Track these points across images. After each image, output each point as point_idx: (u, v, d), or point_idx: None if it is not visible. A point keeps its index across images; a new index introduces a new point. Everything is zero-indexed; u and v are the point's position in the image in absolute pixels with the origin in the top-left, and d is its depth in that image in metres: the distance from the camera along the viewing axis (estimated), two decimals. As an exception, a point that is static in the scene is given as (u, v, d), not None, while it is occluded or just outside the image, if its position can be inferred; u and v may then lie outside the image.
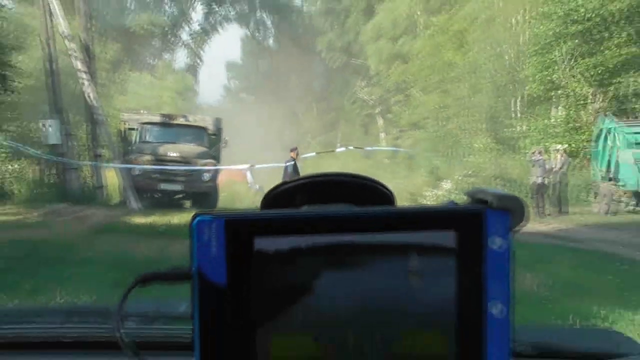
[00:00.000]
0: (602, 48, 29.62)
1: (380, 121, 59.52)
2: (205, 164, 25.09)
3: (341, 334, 0.77)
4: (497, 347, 0.78)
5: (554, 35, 30.87)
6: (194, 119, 28.31)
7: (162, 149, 25.02)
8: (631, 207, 23.40)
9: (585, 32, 29.95)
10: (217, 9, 72.31)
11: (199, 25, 72.26)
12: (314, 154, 33.99)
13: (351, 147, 42.78)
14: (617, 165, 24.14)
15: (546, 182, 22.81)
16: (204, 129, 27.12)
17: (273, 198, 0.86)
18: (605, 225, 19.17)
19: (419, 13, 49.92)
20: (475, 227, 0.78)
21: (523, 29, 35.11)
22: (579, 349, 1.53)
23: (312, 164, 30.08)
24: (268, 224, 0.76)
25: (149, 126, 26.80)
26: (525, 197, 20.98)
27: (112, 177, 26.71)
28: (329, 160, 38.68)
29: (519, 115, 35.44)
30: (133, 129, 27.18)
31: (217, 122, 28.15)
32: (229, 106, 72.40)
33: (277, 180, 0.86)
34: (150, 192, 25.13)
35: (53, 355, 1.51)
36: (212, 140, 27.16)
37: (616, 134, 24.63)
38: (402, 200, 0.82)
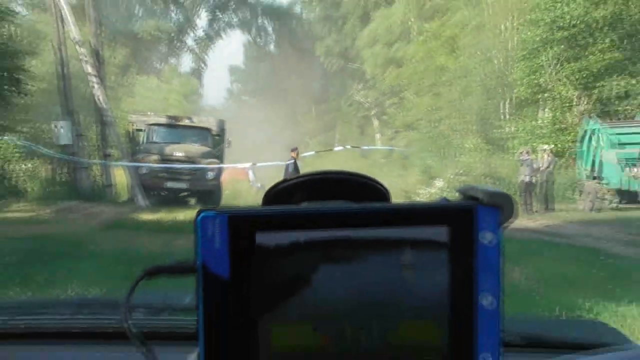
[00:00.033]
0: (586, 53, 29.65)
1: (376, 122, 59.56)
2: (209, 163, 25.14)
3: (339, 325, 0.77)
4: (488, 336, 0.78)
5: (541, 41, 30.91)
6: (199, 121, 28.36)
7: (168, 149, 25.08)
8: (614, 205, 23.43)
9: (571, 38, 29.98)
10: (220, 16, 72.38)
11: (203, 31, 72.35)
12: (313, 152, 34.04)
13: (348, 147, 42.87)
14: (601, 164, 24.19)
15: (534, 180, 22.84)
16: (208, 130, 27.15)
17: (274, 195, 0.85)
18: (590, 221, 19.19)
19: (412, 20, 49.94)
20: (467, 223, 0.78)
21: (511, 35, 35.13)
22: (565, 339, 1.53)
23: (311, 163, 30.06)
24: (269, 220, 0.76)
25: (155, 127, 26.85)
26: (514, 195, 20.94)
27: (120, 176, 26.75)
28: (327, 159, 38.71)
29: (507, 117, 35.45)
30: (140, 130, 27.22)
31: (221, 124, 28.19)
32: (231, 108, 72.36)
33: (278, 178, 0.86)
34: (156, 190, 25.18)
35: (64, 344, 1.51)
36: (215, 141, 27.19)
37: (600, 135, 24.68)
38: (397, 198, 0.82)
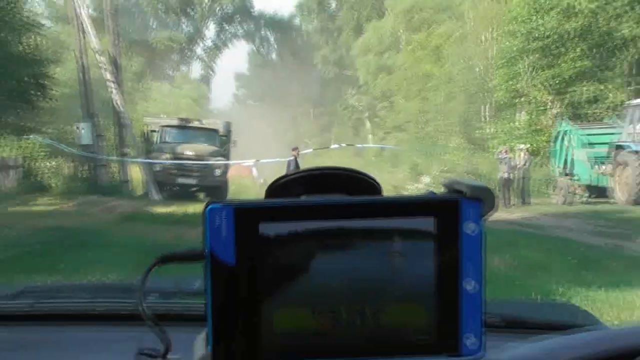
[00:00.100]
0: (559, 61, 29.68)
1: (368, 124, 59.58)
2: (216, 161, 25.17)
3: (335, 308, 0.77)
4: (471, 318, 0.78)
5: (518, 50, 30.96)
6: (207, 123, 28.39)
7: (179, 148, 25.10)
8: (584, 199, 23.50)
9: (545, 48, 30.01)
10: (227, 28, 72.41)
11: (211, 41, 72.37)
12: (311, 150, 34.06)
13: (344, 145, 42.93)
14: (573, 162, 24.29)
15: (511, 177, 22.85)
16: (215, 131, 27.16)
17: (275, 189, 0.85)
18: (563, 214, 19.21)
19: (401, 31, 49.92)
20: (452, 214, 0.78)
21: (491, 45, 35.15)
22: (541, 320, 1.53)
23: (310, 160, 30.07)
24: (271, 211, 0.76)
25: (168, 129, 26.86)
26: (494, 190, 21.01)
27: (136, 173, 26.79)
28: (324, 157, 38.73)
29: (488, 119, 35.51)
30: (154, 131, 27.23)
31: (227, 125, 28.20)
32: (237, 111, 72.19)
33: (279, 174, 0.86)
34: (169, 185, 25.20)
35: (84, 325, 1.51)
36: (222, 141, 27.18)
37: (572, 136, 24.78)
38: (387, 192, 0.82)
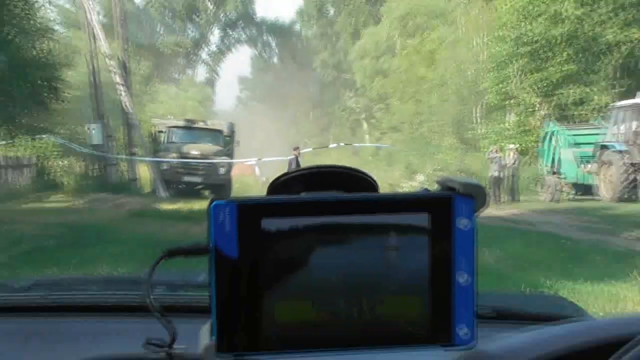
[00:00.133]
0: (547, 65, 29.66)
1: (365, 125, 59.57)
2: (220, 160, 25.19)
3: (334, 300, 0.77)
4: (464, 309, 0.79)
5: (508, 55, 30.93)
6: (212, 123, 28.38)
7: (185, 148, 25.12)
8: (571, 196, 23.56)
9: (533, 52, 30.00)
10: (231, 33, 72.33)
11: (216, 46, 72.32)
12: (311, 149, 34.08)
13: (342, 144, 42.95)
14: (560, 161, 24.30)
15: (502, 175, 22.87)
16: (220, 131, 27.15)
17: (277, 186, 0.85)
18: (550, 210, 19.22)
19: (396, 37, 49.87)
20: (445, 210, 0.78)
21: (482, 50, 35.12)
22: (530, 311, 1.53)
23: (309, 159, 30.05)
24: (273, 208, 0.77)
25: (174, 129, 26.87)
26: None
27: (144, 171, 26.80)
28: (323, 156, 38.72)
29: (479, 120, 35.49)
30: (161, 131, 27.21)
31: (231, 126, 28.18)
32: (240, 113, 72.10)
33: (281, 173, 0.86)
34: (175, 183, 25.21)
35: (94, 316, 1.51)
36: (226, 141, 27.17)
37: (559, 136, 24.82)
38: (383, 190, 0.81)
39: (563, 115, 28.95)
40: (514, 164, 23.28)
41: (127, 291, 1.64)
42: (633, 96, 22.42)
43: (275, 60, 77.35)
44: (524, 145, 28.48)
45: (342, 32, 63.35)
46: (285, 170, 0.92)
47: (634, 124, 21.53)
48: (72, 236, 11.57)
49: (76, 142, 26.76)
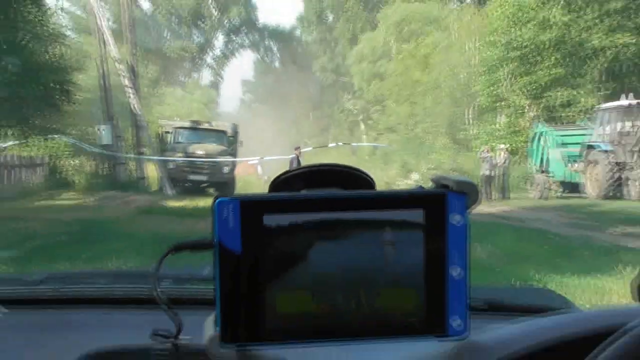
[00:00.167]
0: (536, 69, 29.71)
1: (362, 126, 59.58)
2: (225, 159, 25.21)
3: (333, 292, 0.77)
4: (457, 302, 0.79)
5: (498, 59, 30.97)
6: (216, 124, 28.43)
7: (191, 148, 25.14)
8: (559, 194, 23.59)
9: (523, 57, 30.05)
10: (234, 38, 72.44)
11: (220, 51, 72.40)
12: (311, 148, 34.10)
13: (340, 144, 43.03)
14: (548, 161, 24.36)
15: (493, 174, 22.87)
16: (224, 132, 27.15)
17: (278, 184, 0.85)
18: (540, 207, 19.22)
19: (392, 42, 49.84)
20: (439, 207, 0.78)
21: (474, 54, 35.12)
22: (520, 304, 1.53)
23: (309, 158, 30.04)
24: (274, 204, 0.76)
25: (180, 130, 26.90)
26: (476, 186, 21.03)
27: (151, 170, 26.82)
28: (322, 155, 38.69)
29: (471, 121, 35.48)
30: (168, 132, 27.23)
31: (234, 127, 28.19)
32: (244, 114, 72.05)
33: (282, 171, 0.86)
34: (181, 181, 25.20)
35: (104, 309, 1.51)
36: (230, 141, 27.18)
37: (547, 137, 24.87)
38: (380, 187, 0.81)
39: (551, 117, 28.99)
40: (504, 163, 23.29)
41: (135, 284, 1.63)
42: (618, 98, 22.53)
43: (276, 64, 77.41)
44: (514, 145, 28.52)
45: (340, 38, 63.37)
46: (287, 169, 0.92)
47: (619, 125, 21.62)
48: (83, 232, 11.58)
49: (87, 142, 26.77)
